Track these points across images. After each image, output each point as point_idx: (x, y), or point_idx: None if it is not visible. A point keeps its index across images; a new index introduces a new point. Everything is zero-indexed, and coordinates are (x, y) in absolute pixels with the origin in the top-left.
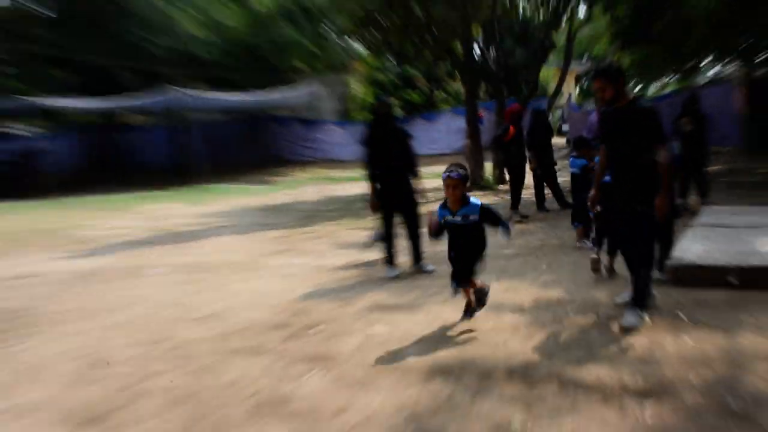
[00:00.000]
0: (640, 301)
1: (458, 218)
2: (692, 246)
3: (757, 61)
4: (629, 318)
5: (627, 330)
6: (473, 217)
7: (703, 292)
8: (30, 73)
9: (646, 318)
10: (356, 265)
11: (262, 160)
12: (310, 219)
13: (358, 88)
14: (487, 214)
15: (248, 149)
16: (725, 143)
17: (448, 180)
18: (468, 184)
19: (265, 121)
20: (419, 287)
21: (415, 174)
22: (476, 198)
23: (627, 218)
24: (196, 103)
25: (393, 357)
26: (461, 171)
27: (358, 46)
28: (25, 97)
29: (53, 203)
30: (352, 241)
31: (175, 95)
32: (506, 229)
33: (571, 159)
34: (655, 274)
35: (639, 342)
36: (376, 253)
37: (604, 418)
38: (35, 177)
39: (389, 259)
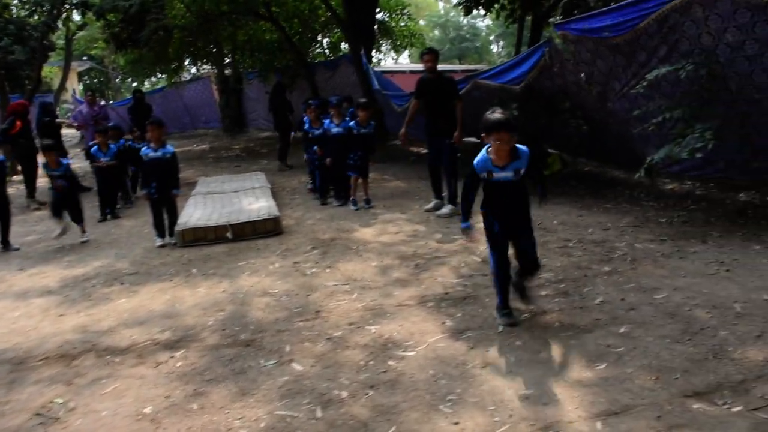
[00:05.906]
0: (455, 198)
1: None
2: (194, 212)
3: (225, 62)
4: (445, 210)
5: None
6: None
7: (208, 248)
8: None
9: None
10: None
11: None
12: None
13: None
14: None
15: None
16: (211, 126)
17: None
18: None
19: None
20: None
21: None
22: None
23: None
24: None
25: None
26: None
27: None
28: None
29: None
30: None
31: None
32: None
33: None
34: (166, 239)
35: (168, 298)
36: None
37: (141, 375)
38: None
39: None
